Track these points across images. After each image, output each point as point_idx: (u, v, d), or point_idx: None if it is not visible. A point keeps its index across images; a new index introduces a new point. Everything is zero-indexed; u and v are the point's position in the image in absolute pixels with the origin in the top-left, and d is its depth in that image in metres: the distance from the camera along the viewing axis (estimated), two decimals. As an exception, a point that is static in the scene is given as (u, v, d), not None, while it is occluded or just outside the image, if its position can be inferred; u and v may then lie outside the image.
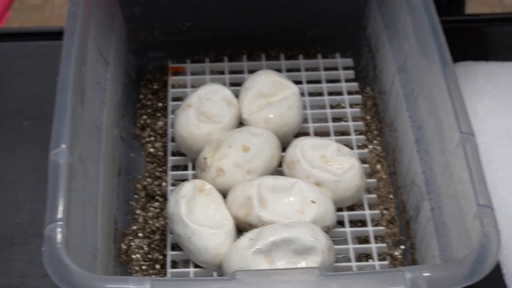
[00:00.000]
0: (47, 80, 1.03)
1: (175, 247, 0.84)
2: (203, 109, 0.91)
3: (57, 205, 0.70)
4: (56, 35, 1.01)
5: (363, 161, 0.92)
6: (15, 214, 0.91)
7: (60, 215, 0.69)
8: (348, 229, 0.86)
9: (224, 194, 0.84)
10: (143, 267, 0.86)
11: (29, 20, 2.00)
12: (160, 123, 0.99)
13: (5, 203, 0.92)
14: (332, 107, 0.99)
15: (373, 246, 0.85)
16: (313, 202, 0.82)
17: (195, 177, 0.88)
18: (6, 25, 1.45)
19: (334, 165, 0.86)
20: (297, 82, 0.97)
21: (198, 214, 0.81)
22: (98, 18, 0.89)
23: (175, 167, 0.93)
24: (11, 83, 1.05)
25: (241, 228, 0.83)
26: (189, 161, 0.92)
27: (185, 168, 0.92)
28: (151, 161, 0.95)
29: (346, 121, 0.97)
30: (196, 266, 0.82)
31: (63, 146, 0.73)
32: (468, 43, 1.09)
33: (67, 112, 0.76)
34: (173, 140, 0.93)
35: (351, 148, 0.93)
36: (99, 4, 0.91)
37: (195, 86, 0.99)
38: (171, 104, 0.98)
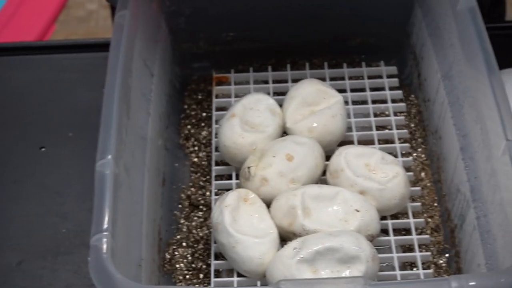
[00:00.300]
0: (93, 92, 1.04)
1: (219, 256, 0.85)
2: (247, 118, 0.91)
3: (103, 215, 0.71)
4: (101, 46, 1.02)
5: (407, 169, 0.92)
6: (61, 224, 0.92)
7: (106, 225, 0.70)
8: (392, 238, 0.85)
9: (268, 204, 0.84)
10: (187, 276, 0.86)
11: (74, 32, 2.02)
12: (204, 133, 0.99)
13: (52, 214, 0.93)
14: (376, 115, 0.98)
15: (418, 254, 0.84)
16: (357, 210, 0.81)
17: (239, 186, 0.89)
18: (52, 37, 1.47)
19: (379, 173, 0.86)
20: (341, 91, 0.97)
21: (242, 223, 0.81)
22: (143, 30, 0.90)
23: (219, 177, 0.93)
24: (57, 95, 1.06)
25: (285, 237, 0.83)
26: (233, 170, 0.92)
27: (229, 177, 0.92)
28: (195, 171, 0.96)
29: (390, 129, 0.96)
30: (239, 275, 0.82)
31: (109, 157, 0.74)
32: (513, 49, 1.08)
33: (113, 123, 0.77)
34: (217, 149, 0.94)
35: (395, 156, 0.92)
36: (145, 16, 0.92)
37: (239, 95, 0.99)
38: (215, 114, 0.98)
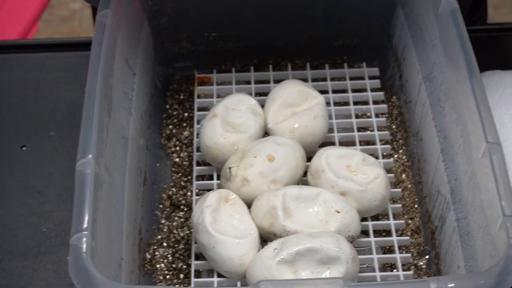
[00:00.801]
0: (76, 91, 1.04)
1: (199, 256, 0.85)
2: (229, 118, 0.91)
3: (83, 214, 0.70)
4: (84, 46, 1.02)
5: (388, 170, 0.92)
6: (42, 224, 0.92)
7: (85, 224, 0.70)
8: (372, 239, 0.86)
9: (249, 204, 0.84)
10: (168, 276, 0.86)
11: (58, 31, 2.01)
12: (186, 133, 0.99)
13: (32, 213, 0.93)
14: (357, 116, 0.99)
15: (398, 256, 0.85)
16: (338, 212, 0.82)
17: (220, 186, 0.89)
18: (35, 36, 1.47)
19: (359, 174, 0.86)
20: (323, 92, 0.97)
21: (222, 224, 0.81)
22: (125, 29, 0.90)
23: (200, 177, 0.93)
24: (39, 94, 1.06)
25: (265, 238, 0.83)
26: (214, 170, 0.92)
27: (210, 178, 0.93)
28: (177, 171, 0.96)
29: (372, 130, 0.97)
30: (220, 275, 0.82)
31: (90, 156, 0.74)
32: (495, 52, 1.08)
33: (94, 122, 0.76)
34: (198, 150, 0.94)
35: (377, 157, 0.92)
36: (127, 15, 0.92)
37: (221, 96, 0.99)
38: (197, 114, 0.98)
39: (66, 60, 1.09)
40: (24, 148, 1.00)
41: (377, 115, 0.98)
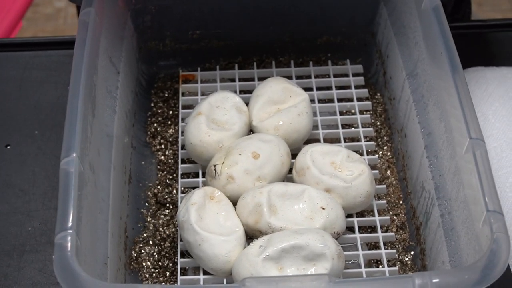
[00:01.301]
0: (60, 90, 1.04)
1: (185, 254, 0.85)
2: (214, 116, 0.91)
3: (67, 213, 0.70)
4: (68, 44, 1.02)
5: (373, 167, 0.92)
6: (27, 223, 0.92)
7: (70, 223, 0.70)
8: (358, 235, 0.86)
9: (234, 201, 0.85)
10: (154, 274, 0.86)
11: (42, 29, 2.01)
12: (171, 131, 0.99)
13: (17, 212, 0.93)
14: (342, 113, 0.99)
15: (383, 252, 0.85)
16: (323, 208, 0.82)
17: (205, 184, 0.89)
18: (19, 34, 1.46)
19: (344, 171, 0.86)
20: (307, 89, 0.98)
21: (208, 221, 0.82)
22: (109, 27, 0.90)
23: (186, 175, 0.93)
24: (23, 93, 1.05)
25: (251, 235, 0.83)
26: (199, 168, 0.92)
27: (195, 175, 0.93)
28: (162, 169, 0.96)
29: (356, 127, 0.97)
30: (206, 273, 0.82)
31: (74, 155, 0.74)
32: (478, 49, 1.09)
33: (78, 121, 0.76)
34: (183, 147, 0.94)
35: (361, 154, 0.93)
36: (110, 13, 0.91)
37: (205, 93, 0.99)
38: (181, 112, 0.98)
39: (49, 58, 1.09)
40: (8, 147, 0.99)
41: (361, 112, 0.99)
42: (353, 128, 0.97)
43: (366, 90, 1.01)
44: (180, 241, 0.85)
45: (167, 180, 0.94)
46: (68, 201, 0.71)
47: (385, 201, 0.90)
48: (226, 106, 0.92)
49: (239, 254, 0.79)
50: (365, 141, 0.95)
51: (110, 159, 0.86)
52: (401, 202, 0.92)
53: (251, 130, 0.92)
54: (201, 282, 0.82)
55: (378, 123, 1.00)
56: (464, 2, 1.19)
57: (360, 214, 0.89)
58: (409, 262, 0.87)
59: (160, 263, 0.87)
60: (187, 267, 0.85)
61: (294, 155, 0.89)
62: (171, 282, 0.86)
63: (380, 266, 0.85)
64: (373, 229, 0.88)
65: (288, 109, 0.91)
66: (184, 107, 0.99)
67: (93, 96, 0.82)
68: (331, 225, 0.82)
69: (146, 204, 0.93)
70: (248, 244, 0.80)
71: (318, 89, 1.01)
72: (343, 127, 0.97)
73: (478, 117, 0.77)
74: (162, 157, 0.97)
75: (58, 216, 0.70)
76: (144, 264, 0.87)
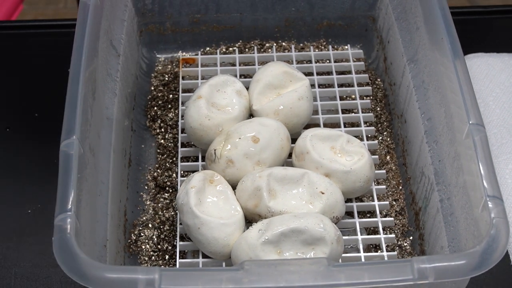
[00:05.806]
0: (60, 72, 1.03)
1: (185, 237, 0.85)
2: (214, 100, 0.91)
3: (67, 195, 0.70)
4: (69, 27, 1.01)
5: (372, 152, 0.92)
6: (27, 205, 0.92)
7: (70, 205, 0.70)
8: (357, 220, 0.86)
9: (234, 185, 0.85)
10: (153, 257, 0.86)
11: (42, 13, 2.00)
12: (171, 114, 0.99)
13: (17, 194, 0.93)
14: (342, 98, 0.99)
15: (382, 237, 0.85)
16: (322, 193, 0.82)
17: (205, 168, 0.89)
18: (19, 17, 1.46)
19: (344, 156, 0.86)
20: (308, 74, 0.97)
21: (207, 204, 0.82)
22: (109, 9, 0.90)
23: (185, 158, 0.93)
24: (23, 75, 1.05)
25: (250, 219, 0.83)
26: (199, 152, 0.92)
27: (195, 159, 0.93)
28: (162, 152, 0.96)
29: (356, 112, 0.97)
30: (205, 256, 0.82)
31: (74, 137, 0.74)
32: (479, 35, 1.09)
33: (78, 103, 0.76)
34: (183, 131, 0.94)
35: (361, 139, 0.93)
36: (111, -4, 0.91)
37: (206, 77, 0.99)
38: (182, 95, 0.98)
39: (50, 41, 1.09)
40: (8, 130, 0.99)
41: (361, 97, 0.99)
42: (353, 113, 0.97)
43: (366, 75, 1.00)
44: (179, 224, 0.85)
45: (167, 164, 0.94)
46: (68, 184, 0.71)
47: (384, 186, 0.90)
48: (227, 90, 0.92)
49: (238, 238, 0.79)
50: (365, 126, 0.95)
51: (110, 142, 0.86)
52: (400, 187, 0.92)
53: (251, 114, 0.92)
54: (200, 265, 0.82)
55: (378, 109, 1.00)
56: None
57: (360, 199, 0.89)
58: (408, 247, 0.87)
59: (159, 246, 0.87)
60: (186, 251, 0.85)
61: (294, 140, 0.89)
62: (170, 265, 0.86)
63: (379, 251, 0.86)
64: (372, 214, 0.89)
65: (288, 93, 0.91)
66: (184, 91, 0.99)
67: (94, 79, 0.81)
68: (331, 210, 0.82)
69: (146, 187, 0.93)
70: (248, 228, 0.80)
71: (319, 74, 1.01)
72: (343, 112, 0.97)
73: (478, 103, 0.77)
74: (162, 141, 0.97)
75: (58, 198, 0.70)
76: (143, 247, 0.87)
